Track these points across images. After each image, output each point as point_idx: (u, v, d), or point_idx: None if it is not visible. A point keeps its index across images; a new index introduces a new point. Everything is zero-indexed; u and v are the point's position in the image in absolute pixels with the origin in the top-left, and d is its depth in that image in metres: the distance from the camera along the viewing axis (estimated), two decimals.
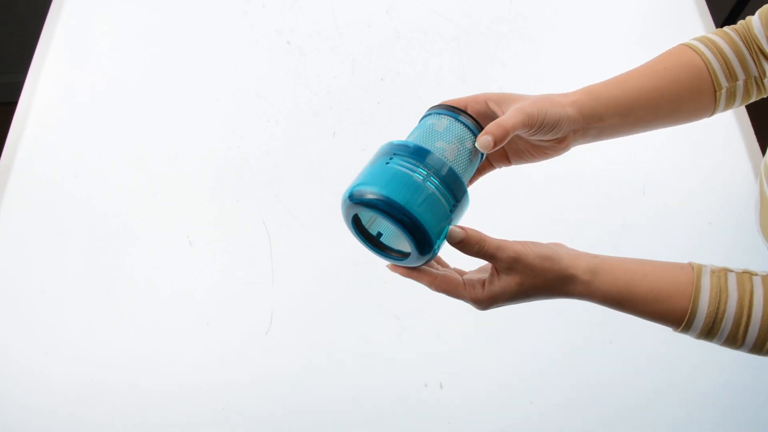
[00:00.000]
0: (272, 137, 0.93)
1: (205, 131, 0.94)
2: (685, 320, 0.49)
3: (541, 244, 0.51)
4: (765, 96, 0.64)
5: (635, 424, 0.74)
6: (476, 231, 0.49)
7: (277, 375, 0.77)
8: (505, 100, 0.54)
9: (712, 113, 0.62)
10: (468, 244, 0.49)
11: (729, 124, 0.92)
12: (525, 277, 0.49)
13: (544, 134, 0.54)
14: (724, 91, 0.60)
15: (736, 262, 0.53)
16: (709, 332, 0.49)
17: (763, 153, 0.85)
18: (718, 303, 0.48)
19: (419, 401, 0.75)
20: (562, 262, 0.50)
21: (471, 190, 0.60)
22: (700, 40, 0.62)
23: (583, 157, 0.90)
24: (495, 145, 0.50)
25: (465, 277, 0.53)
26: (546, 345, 0.78)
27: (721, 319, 0.48)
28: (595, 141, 0.59)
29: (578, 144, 0.58)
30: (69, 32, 1.03)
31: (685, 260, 0.51)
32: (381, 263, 0.83)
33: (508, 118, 0.51)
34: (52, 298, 0.81)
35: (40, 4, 1.19)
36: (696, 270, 0.50)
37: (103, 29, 1.04)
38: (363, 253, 0.85)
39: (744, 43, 0.61)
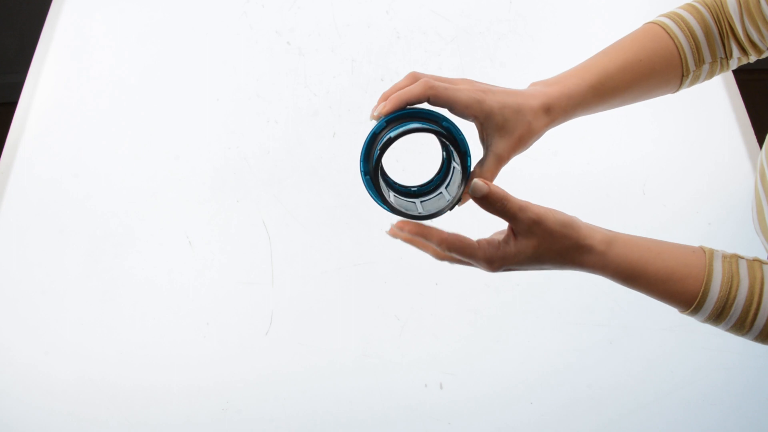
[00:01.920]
0: (272, 137, 0.93)
1: (204, 131, 0.94)
2: (696, 303, 0.49)
3: (561, 211, 0.50)
4: (725, 71, 0.63)
5: (635, 425, 0.73)
6: (500, 188, 0.48)
7: (277, 375, 0.77)
8: (487, 118, 0.52)
9: (674, 92, 0.62)
10: (490, 201, 0.47)
11: (729, 124, 0.92)
12: (542, 241, 0.49)
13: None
14: (690, 74, 0.60)
15: None
16: (717, 317, 0.50)
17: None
18: (730, 288, 0.49)
19: (419, 401, 0.75)
20: (581, 230, 0.49)
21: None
22: (672, 18, 0.61)
23: (583, 157, 0.91)
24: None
25: (477, 240, 0.52)
26: (546, 345, 0.78)
27: (731, 304, 0.49)
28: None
29: None
30: (69, 32, 1.03)
31: None
32: (381, 263, 0.83)
33: (488, 171, 0.51)
34: (52, 297, 0.81)
35: (40, 5, 1.19)
36: (708, 254, 0.50)
37: (102, 29, 1.04)
38: (363, 254, 0.85)
39: (714, 21, 0.60)
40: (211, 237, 0.85)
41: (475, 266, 0.51)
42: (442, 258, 0.53)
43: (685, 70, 0.60)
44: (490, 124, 0.51)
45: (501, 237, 0.51)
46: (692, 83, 0.62)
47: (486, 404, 0.75)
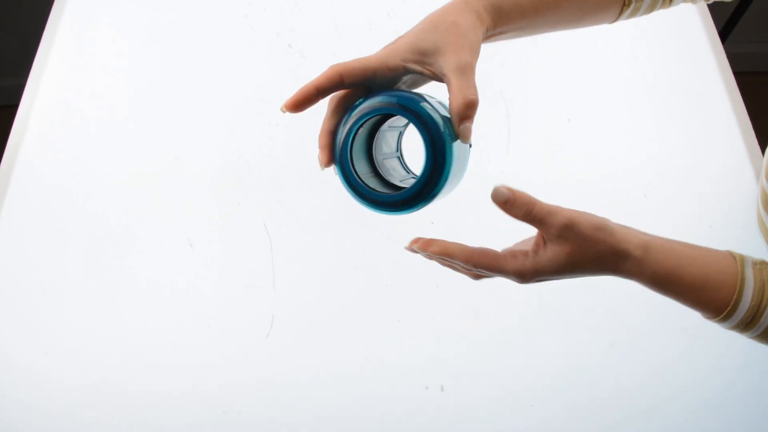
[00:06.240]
0: (273, 139, 0.93)
1: (205, 133, 0.94)
2: (727, 311, 0.48)
3: (592, 213, 0.47)
4: (666, 8, 0.59)
5: (637, 428, 0.73)
6: (524, 193, 0.45)
7: (279, 378, 0.76)
8: (427, 52, 0.47)
9: (614, 21, 0.57)
10: (514, 206, 0.45)
11: (730, 127, 0.92)
12: (576, 247, 0.46)
13: None
14: (632, 3, 0.56)
15: None
16: (747, 325, 0.48)
17: (764, 154, 0.84)
18: (761, 298, 0.47)
19: (420, 404, 0.74)
20: (615, 234, 0.46)
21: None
22: None
23: (584, 160, 0.90)
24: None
25: (504, 250, 0.49)
26: (547, 348, 0.77)
27: (761, 313, 0.47)
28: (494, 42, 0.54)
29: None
30: (70, 34, 1.03)
31: None
32: (382, 265, 0.83)
33: (459, 90, 0.46)
34: (52, 298, 0.81)
35: (42, 7, 1.19)
36: (739, 261, 0.49)
37: (104, 31, 1.04)
38: (364, 256, 0.85)
39: None
40: (212, 238, 0.85)
41: (506, 278, 0.48)
42: (475, 277, 0.50)
43: None
44: (420, 52, 0.47)
45: (529, 246, 0.48)
46: (633, 14, 0.57)
47: (487, 407, 0.74)
